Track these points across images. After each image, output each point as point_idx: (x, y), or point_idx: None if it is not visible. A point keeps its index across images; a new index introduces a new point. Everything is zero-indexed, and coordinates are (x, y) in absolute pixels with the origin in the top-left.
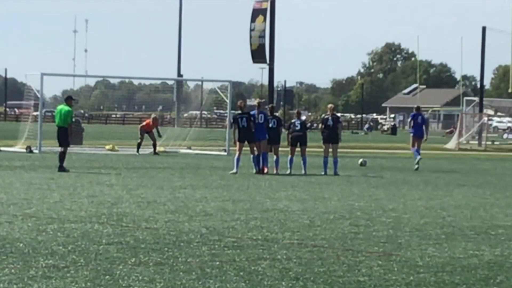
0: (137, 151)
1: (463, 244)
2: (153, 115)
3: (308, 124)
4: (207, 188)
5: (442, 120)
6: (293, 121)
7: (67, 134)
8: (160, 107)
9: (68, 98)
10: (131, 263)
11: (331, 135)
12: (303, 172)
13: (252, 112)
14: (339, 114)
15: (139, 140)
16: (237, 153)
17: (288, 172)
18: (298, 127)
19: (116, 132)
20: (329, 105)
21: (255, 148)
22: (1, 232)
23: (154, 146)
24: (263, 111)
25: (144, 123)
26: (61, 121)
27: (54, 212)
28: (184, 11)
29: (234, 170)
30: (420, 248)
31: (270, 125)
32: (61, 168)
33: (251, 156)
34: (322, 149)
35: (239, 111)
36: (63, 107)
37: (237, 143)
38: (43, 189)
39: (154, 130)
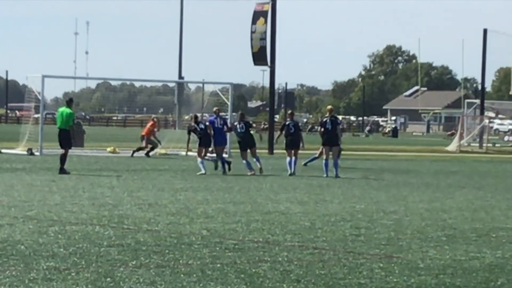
0: (148, 154)
1: (464, 247)
2: (153, 116)
3: (309, 127)
4: (208, 190)
5: (443, 123)
6: (287, 123)
7: (69, 136)
8: (161, 110)
9: (70, 101)
10: (132, 265)
11: (330, 138)
12: (292, 171)
13: (211, 119)
14: (340, 117)
15: (143, 145)
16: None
17: (288, 173)
18: (292, 130)
19: (117, 135)
20: (328, 107)
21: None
22: (2, 234)
23: (152, 149)
24: (223, 117)
25: (145, 129)
26: (63, 124)
27: (55, 214)
28: (185, 13)
29: (203, 171)
30: (421, 250)
31: (239, 130)
32: (62, 170)
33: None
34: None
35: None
36: (64, 110)
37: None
38: (44, 191)
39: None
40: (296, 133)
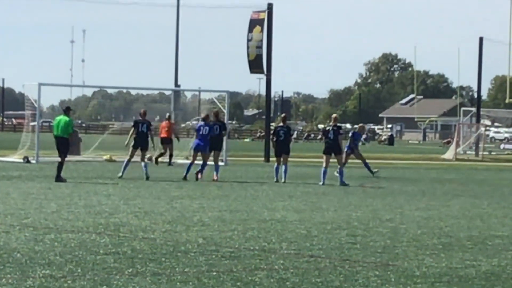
0: (169, 163)
1: (460, 255)
2: (168, 115)
3: (305, 135)
4: (204, 198)
5: (440, 131)
6: (278, 129)
7: (68, 144)
8: (158, 117)
9: (67, 109)
10: (128, 273)
11: (332, 147)
12: (283, 180)
13: (198, 125)
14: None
15: (162, 151)
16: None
17: (275, 180)
18: (282, 137)
19: (114, 142)
20: (333, 115)
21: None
22: None
23: (170, 156)
24: (208, 123)
25: (164, 132)
26: (61, 131)
27: (51, 222)
28: (182, 21)
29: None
30: (417, 258)
31: (213, 132)
32: (59, 178)
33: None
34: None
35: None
36: (62, 118)
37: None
38: (40, 199)
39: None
40: (286, 140)
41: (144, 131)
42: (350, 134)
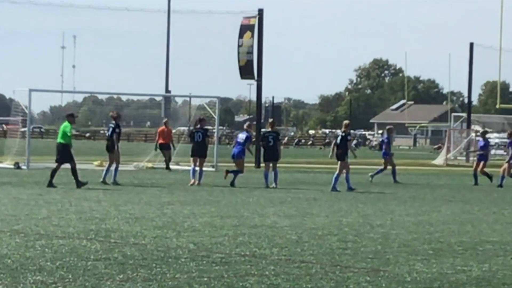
0: (167, 168)
1: (451, 260)
2: (165, 120)
3: (296, 140)
4: (195, 204)
5: (430, 136)
6: (266, 134)
7: (64, 151)
8: (148, 123)
9: (68, 116)
10: (119, 279)
11: (337, 153)
12: (274, 186)
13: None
14: (327, 130)
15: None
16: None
17: (265, 186)
18: (272, 143)
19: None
20: (345, 122)
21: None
22: None
23: (167, 162)
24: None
25: (161, 138)
26: (59, 137)
27: (42, 228)
28: (172, 27)
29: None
30: (408, 263)
31: (195, 139)
32: (78, 184)
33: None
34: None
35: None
36: (63, 124)
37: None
38: (31, 205)
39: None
40: (275, 145)
41: (107, 134)
42: (381, 140)
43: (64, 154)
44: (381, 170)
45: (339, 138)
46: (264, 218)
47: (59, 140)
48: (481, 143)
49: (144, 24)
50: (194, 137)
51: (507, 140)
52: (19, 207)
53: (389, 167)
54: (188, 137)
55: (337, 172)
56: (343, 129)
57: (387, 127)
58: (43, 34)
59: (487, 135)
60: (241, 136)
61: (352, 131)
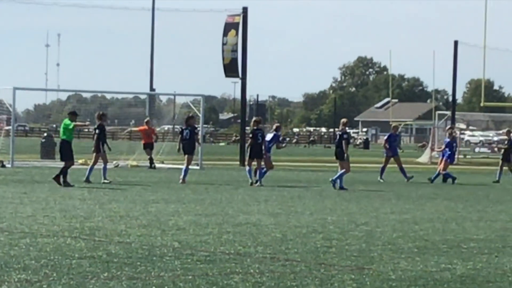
0: (152, 167)
1: (435, 258)
2: (147, 119)
3: (280, 138)
4: (180, 202)
5: (415, 134)
6: (256, 132)
7: (65, 147)
8: (133, 121)
9: (70, 113)
10: (103, 278)
11: (336, 152)
12: (258, 184)
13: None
14: (311, 128)
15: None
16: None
17: (250, 182)
18: (260, 140)
19: (89, 147)
20: (342, 120)
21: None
22: None
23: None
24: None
25: (145, 136)
26: (62, 134)
27: (27, 226)
28: (156, 25)
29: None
30: (392, 261)
31: (184, 136)
32: (65, 183)
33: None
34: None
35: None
36: (64, 120)
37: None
38: (15, 203)
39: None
40: (262, 143)
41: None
42: (385, 137)
43: (64, 151)
44: (402, 170)
45: (337, 137)
46: (249, 216)
47: (61, 136)
48: (446, 140)
49: (129, 22)
50: (182, 135)
51: (506, 138)
52: (4, 205)
53: (382, 164)
54: (177, 136)
55: (342, 171)
56: (341, 127)
57: (393, 125)
58: (27, 33)
59: (454, 133)
60: (269, 136)
61: (336, 130)
